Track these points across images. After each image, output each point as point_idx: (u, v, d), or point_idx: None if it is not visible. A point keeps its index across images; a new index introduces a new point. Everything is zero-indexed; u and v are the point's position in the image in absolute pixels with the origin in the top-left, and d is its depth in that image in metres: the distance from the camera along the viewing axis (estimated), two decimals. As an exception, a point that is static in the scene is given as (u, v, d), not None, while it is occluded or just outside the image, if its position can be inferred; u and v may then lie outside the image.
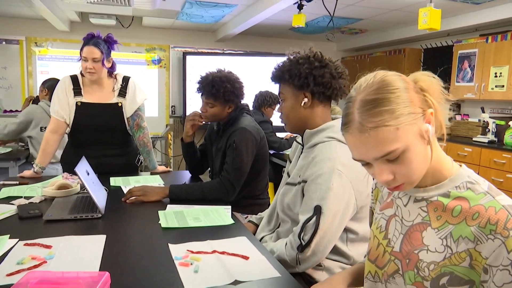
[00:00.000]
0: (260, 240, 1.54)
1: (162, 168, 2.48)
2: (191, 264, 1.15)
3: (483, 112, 4.49)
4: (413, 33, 5.01)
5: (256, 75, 5.16)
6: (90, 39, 2.20)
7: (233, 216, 1.61)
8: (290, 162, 1.60)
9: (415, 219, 0.87)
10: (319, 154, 1.34)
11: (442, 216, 0.82)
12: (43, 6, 3.89)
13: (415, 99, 0.78)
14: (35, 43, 5.34)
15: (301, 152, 1.50)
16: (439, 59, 5.23)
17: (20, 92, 5.34)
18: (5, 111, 5.28)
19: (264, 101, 3.77)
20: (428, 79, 0.83)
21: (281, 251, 1.35)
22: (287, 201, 1.45)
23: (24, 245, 1.26)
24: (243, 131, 1.96)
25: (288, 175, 1.54)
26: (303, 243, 1.27)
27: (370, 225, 1.11)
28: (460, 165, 0.86)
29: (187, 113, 5.56)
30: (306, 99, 1.41)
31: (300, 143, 1.54)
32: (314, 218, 1.27)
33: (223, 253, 1.24)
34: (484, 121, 4.35)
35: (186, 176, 2.38)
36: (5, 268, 1.10)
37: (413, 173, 0.80)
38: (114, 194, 1.88)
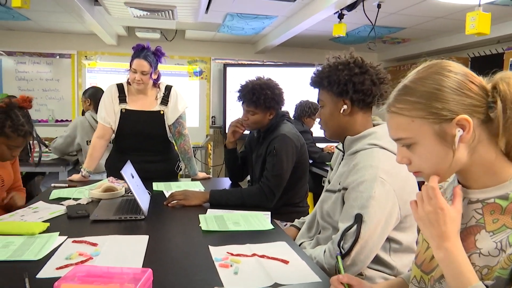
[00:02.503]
0: (299, 246, 1.51)
1: (202, 174, 2.52)
2: (231, 265, 1.15)
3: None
4: (460, 41, 4.83)
5: (296, 86, 5.15)
6: (141, 52, 2.28)
7: (272, 222, 1.60)
8: (332, 169, 1.57)
9: (469, 221, 0.83)
10: (361, 161, 1.31)
11: (500, 219, 0.77)
12: (93, 22, 4.11)
13: (453, 101, 0.77)
14: (85, 56, 5.63)
15: (342, 159, 1.47)
16: (488, 68, 4.97)
17: (71, 103, 5.63)
18: (57, 121, 5.59)
19: (304, 111, 3.75)
20: None
21: (320, 258, 1.32)
22: (326, 208, 1.43)
23: (72, 242, 1.32)
24: (284, 138, 1.95)
25: (329, 182, 1.51)
26: (343, 252, 1.24)
27: (419, 231, 1.07)
28: None
29: (227, 124, 5.64)
30: (345, 106, 1.38)
31: (341, 150, 1.52)
32: (355, 226, 1.23)
33: (262, 256, 1.23)
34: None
35: (226, 182, 2.41)
36: (55, 262, 1.15)
37: (424, 167, 0.84)
38: (157, 197, 1.93)
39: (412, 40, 5.49)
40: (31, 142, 2.41)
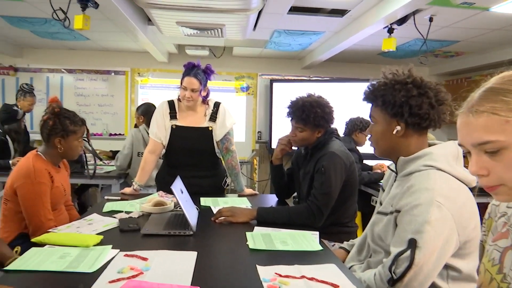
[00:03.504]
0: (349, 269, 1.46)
1: (249, 190, 2.52)
2: (279, 287, 1.13)
3: None
4: (520, 54, 4.57)
5: (342, 102, 5.08)
6: (191, 70, 2.34)
7: (321, 242, 1.56)
8: (383, 190, 1.51)
9: None
10: (416, 183, 1.24)
11: None
12: (147, 40, 4.31)
13: None
14: (138, 73, 5.90)
15: (395, 180, 1.41)
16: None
17: (124, 117, 5.90)
18: (110, 134, 5.88)
19: (355, 126, 3.64)
20: None
21: (370, 282, 1.27)
22: (377, 231, 1.37)
23: (124, 255, 1.35)
24: (332, 156, 1.91)
25: (381, 204, 1.45)
26: (395, 277, 1.18)
27: (480, 259, 0.99)
28: None
29: (273, 139, 5.65)
30: (398, 128, 1.32)
31: (393, 171, 1.45)
32: (408, 251, 1.17)
33: (311, 279, 1.20)
34: None
35: (272, 199, 2.39)
36: (107, 275, 1.18)
37: (508, 179, 0.73)
38: (204, 213, 1.94)
39: (466, 54, 5.26)
40: (86, 155, 2.56)
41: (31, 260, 1.28)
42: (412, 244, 1.17)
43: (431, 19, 3.55)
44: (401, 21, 3.46)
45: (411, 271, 1.15)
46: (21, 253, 1.49)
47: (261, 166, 5.99)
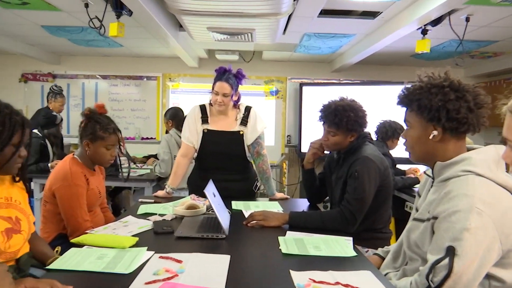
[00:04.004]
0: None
1: (280, 195, 2.51)
2: (314, 293, 1.12)
3: None
4: None
5: (373, 105, 4.99)
6: (223, 74, 2.36)
7: (355, 248, 1.53)
8: (420, 196, 1.47)
9: None
10: (454, 189, 1.20)
11: None
12: (178, 46, 4.39)
13: None
14: (169, 78, 6.01)
15: (431, 185, 1.37)
16: None
17: (155, 122, 6.03)
18: (142, 138, 6.01)
19: (388, 133, 3.54)
20: None
21: (406, 290, 1.23)
22: (414, 238, 1.33)
23: (159, 257, 1.37)
24: (366, 160, 1.88)
25: (417, 210, 1.41)
26: (432, 286, 1.14)
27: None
28: None
29: (303, 143, 5.62)
30: (435, 133, 1.28)
31: (430, 176, 1.41)
32: (447, 259, 1.13)
33: (346, 286, 1.18)
34: None
35: (303, 203, 2.37)
36: (143, 277, 1.20)
37: None
38: (236, 217, 1.95)
39: (505, 54, 5.06)
40: (120, 158, 2.62)
41: (70, 260, 1.33)
42: (451, 252, 1.13)
43: (467, 19, 3.44)
44: (436, 22, 3.37)
45: (449, 280, 1.11)
46: (61, 253, 1.54)
47: (291, 170, 5.96)
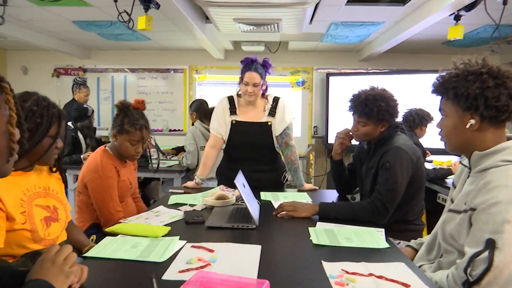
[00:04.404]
0: (419, 269, 1.39)
1: (309, 186, 2.50)
2: (347, 284, 1.10)
3: None
4: None
5: (403, 94, 4.87)
6: (251, 64, 2.36)
7: (387, 240, 1.50)
8: (455, 187, 1.42)
9: None
10: (493, 180, 1.16)
11: None
12: (204, 38, 4.40)
13: None
14: (196, 70, 6.06)
15: (468, 176, 1.32)
16: None
17: (182, 114, 6.10)
18: (170, 130, 6.10)
19: (415, 121, 3.47)
20: None
21: (442, 283, 1.20)
22: (449, 230, 1.29)
23: (191, 247, 1.39)
24: (398, 150, 1.84)
25: (452, 201, 1.37)
26: (471, 279, 1.11)
27: None
28: None
29: (329, 134, 5.56)
30: (472, 121, 1.22)
31: (466, 166, 1.37)
32: (486, 252, 1.09)
33: (380, 277, 1.16)
34: None
35: (333, 194, 2.35)
36: (177, 265, 1.22)
37: None
38: (265, 207, 1.95)
39: (544, 39, 4.82)
40: (150, 149, 2.67)
41: (106, 248, 1.36)
42: (490, 245, 1.09)
43: (505, 2, 3.27)
44: (470, 7, 3.23)
45: (489, 274, 1.08)
46: (95, 241, 1.59)
47: (317, 161, 5.92)
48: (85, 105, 4.20)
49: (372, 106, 1.88)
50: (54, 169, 1.55)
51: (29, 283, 0.92)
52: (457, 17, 3.40)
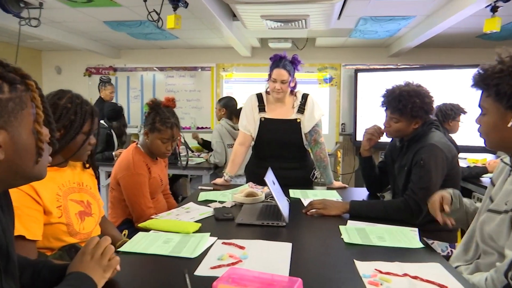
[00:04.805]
0: (455, 270, 1.35)
1: (338, 183, 2.47)
2: (381, 284, 1.08)
3: None
4: None
5: (434, 90, 4.74)
6: (279, 61, 2.34)
7: (421, 240, 1.46)
8: (493, 185, 1.36)
9: None
10: None
11: None
12: (231, 35, 4.41)
13: None
14: (223, 68, 6.09)
15: (509, 175, 1.27)
16: None
17: (210, 111, 6.15)
18: (198, 128, 6.16)
19: (446, 115, 3.36)
20: None
21: (480, 286, 1.15)
22: (488, 231, 1.24)
23: (222, 243, 1.40)
24: (432, 148, 1.78)
25: (491, 200, 1.31)
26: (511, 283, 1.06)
27: None
28: None
29: (358, 131, 5.47)
30: None
31: (507, 164, 1.30)
32: None
33: (415, 277, 1.13)
34: None
35: (363, 193, 2.31)
36: (208, 262, 1.23)
37: None
38: (294, 205, 1.94)
39: None
40: (179, 147, 2.70)
41: (139, 243, 1.39)
42: None
43: (545, -7, 3.13)
44: (508, -3, 3.10)
45: None
46: (128, 237, 1.62)
47: (345, 159, 5.84)
48: (119, 104, 4.31)
49: (406, 103, 1.83)
50: (87, 165, 1.59)
51: (70, 275, 0.94)
52: (494, 9, 3.27)
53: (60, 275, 0.97)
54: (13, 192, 1.09)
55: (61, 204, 1.37)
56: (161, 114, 2.06)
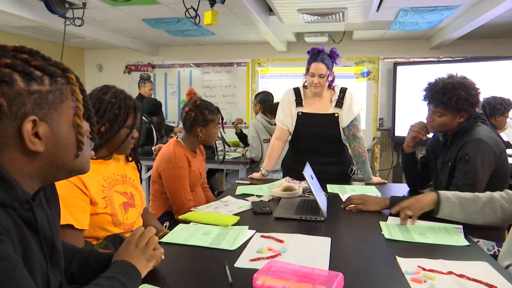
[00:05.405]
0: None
1: (377, 179, 2.41)
2: (425, 281, 1.05)
3: None
4: None
5: (480, 83, 4.53)
6: (317, 55, 2.31)
7: (466, 237, 1.41)
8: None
9: None
10: None
11: None
12: (267, 30, 4.40)
13: None
14: (258, 63, 6.09)
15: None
16: None
17: (245, 107, 6.18)
18: (233, 123, 6.20)
19: (495, 109, 3.20)
20: None
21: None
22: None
23: (261, 236, 1.40)
24: (479, 142, 1.70)
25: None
26: None
27: None
28: None
29: (396, 126, 5.32)
30: None
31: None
32: None
33: (461, 276, 1.09)
34: None
35: (402, 188, 2.25)
36: (248, 254, 1.24)
37: None
38: (332, 200, 1.92)
39: None
40: (216, 142, 2.73)
41: (180, 235, 1.42)
42: None
43: None
44: (562, -17, 2.92)
45: None
46: (169, 228, 1.66)
47: (383, 154, 5.70)
48: (158, 100, 4.43)
49: (450, 95, 1.76)
50: (130, 158, 1.65)
51: (115, 263, 0.98)
52: (546, -4, 3.08)
53: (106, 263, 1.01)
54: (62, 183, 1.15)
55: (106, 195, 1.43)
56: (207, 107, 2.20)
